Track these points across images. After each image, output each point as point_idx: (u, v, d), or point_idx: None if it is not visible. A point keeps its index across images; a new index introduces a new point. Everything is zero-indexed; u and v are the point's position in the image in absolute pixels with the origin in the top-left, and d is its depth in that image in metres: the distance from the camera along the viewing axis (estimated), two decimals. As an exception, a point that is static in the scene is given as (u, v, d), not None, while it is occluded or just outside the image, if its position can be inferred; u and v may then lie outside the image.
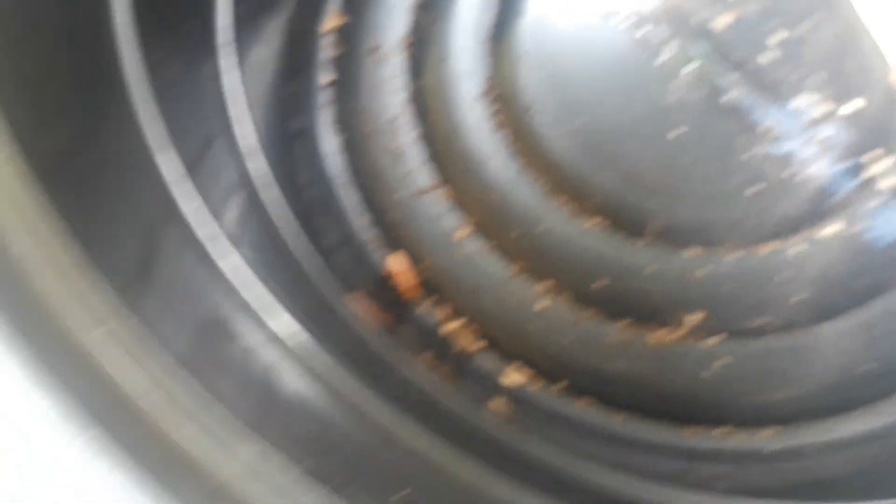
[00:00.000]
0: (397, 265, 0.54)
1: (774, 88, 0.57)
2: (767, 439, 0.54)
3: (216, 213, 0.43)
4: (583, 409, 0.55)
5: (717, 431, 0.54)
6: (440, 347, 0.54)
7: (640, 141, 0.57)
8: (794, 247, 0.56)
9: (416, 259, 0.55)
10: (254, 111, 0.55)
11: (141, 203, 0.36)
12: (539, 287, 0.56)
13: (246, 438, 0.24)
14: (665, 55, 0.58)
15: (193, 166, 0.42)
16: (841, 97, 0.57)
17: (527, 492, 0.43)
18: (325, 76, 0.59)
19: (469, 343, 0.55)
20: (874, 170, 0.56)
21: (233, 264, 0.41)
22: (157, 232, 0.36)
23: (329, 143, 0.59)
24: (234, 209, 0.52)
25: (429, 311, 0.55)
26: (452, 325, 0.55)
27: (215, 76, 0.51)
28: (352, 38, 0.60)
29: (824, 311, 0.55)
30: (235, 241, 0.44)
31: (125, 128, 0.35)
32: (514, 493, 0.43)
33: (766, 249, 0.56)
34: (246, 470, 0.23)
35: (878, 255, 0.56)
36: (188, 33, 0.50)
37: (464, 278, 0.55)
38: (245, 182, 0.53)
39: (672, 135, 0.56)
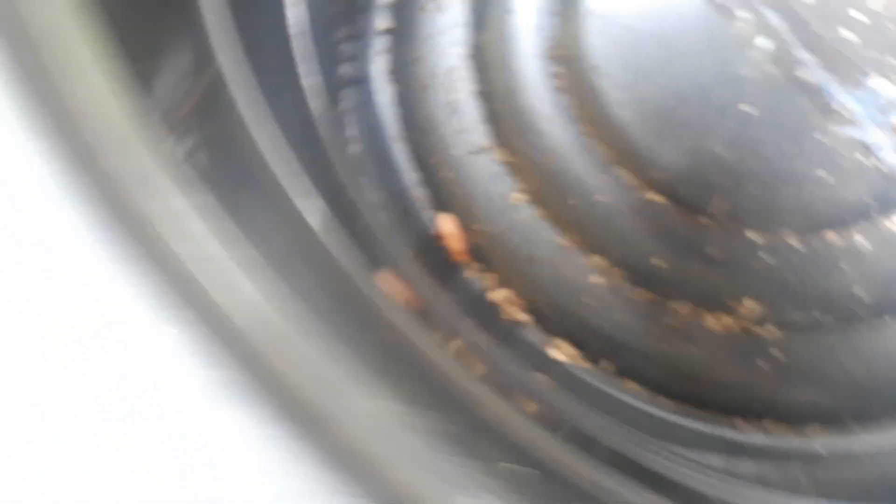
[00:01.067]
0: (447, 226, 0.50)
1: (853, 66, 0.54)
2: (818, 436, 0.52)
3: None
4: (630, 393, 0.52)
5: (768, 423, 0.52)
6: (485, 315, 0.51)
7: (710, 111, 0.53)
8: (860, 235, 0.53)
9: (466, 222, 0.51)
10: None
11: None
12: (593, 261, 0.52)
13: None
14: (742, 21, 0.54)
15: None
16: (920, 82, 0.54)
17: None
18: (381, 22, 0.55)
19: (515, 313, 0.51)
20: (948, 161, 0.53)
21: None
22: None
23: (382, 94, 0.54)
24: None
25: (476, 277, 0.51)
26: (500, 294, 0.51)
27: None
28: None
29: (886, 305, 0.53)
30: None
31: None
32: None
33: (831, 236, 0.53)
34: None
35: (944, 251, 0.53)
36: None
37: (516, 245, 0.52)
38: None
39: (744, 107, 0.53)
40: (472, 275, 0.52)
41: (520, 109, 0.54)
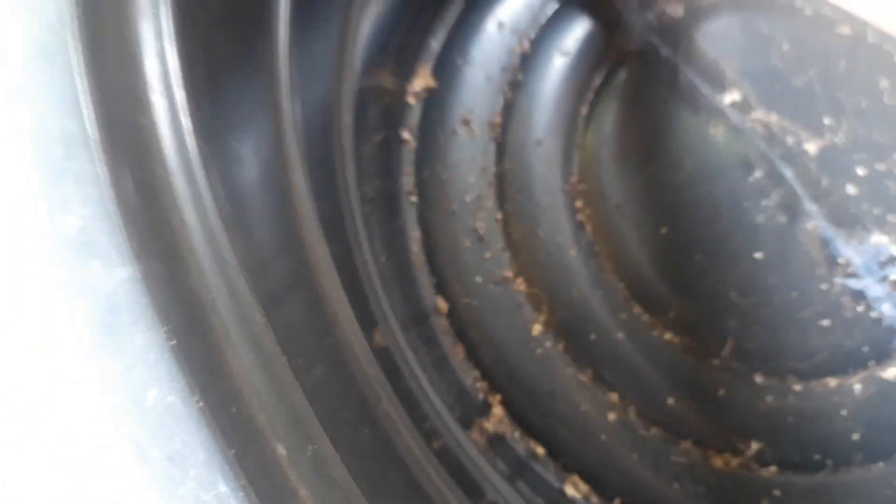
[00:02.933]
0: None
1: (856, 222, 0.57)
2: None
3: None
4: (638, 529, 0.53)
5: (767, 563, 0.53)
6: (502, 448, 0.52)
7: (726, 257, 0.55)
8: (859, 384, 0.55)
9: (485, 352, 0.52)
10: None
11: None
12: (610, 398, 0.53)
13: None
14: (758, 173, 0.57)
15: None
16: (917, 239, 0.57)
17: None
18: (409, 141, 0.56)
19: (533, 447, 0.52)
20: (938, 315, 0.57)
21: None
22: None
23: (407, 216, 0.55)
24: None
25: (500, 421, 0.52)
26: (517, 430, 0.52)
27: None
28: (441, 105, 0.56)
29: (880, 451, 0.55)
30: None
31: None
32: None
33: (832, 383, 0.56)
34: None
35: (933, 401, 0.56)
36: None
37: (536, 379, 0.53)
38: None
39: (757, 255, 0.55)
40: (496, 418, 0.52)
41: (541, 241, 0.55)
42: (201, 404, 0.18)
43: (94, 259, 0.18)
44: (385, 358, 0.47)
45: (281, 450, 0.21)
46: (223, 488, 0.18)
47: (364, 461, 0.28)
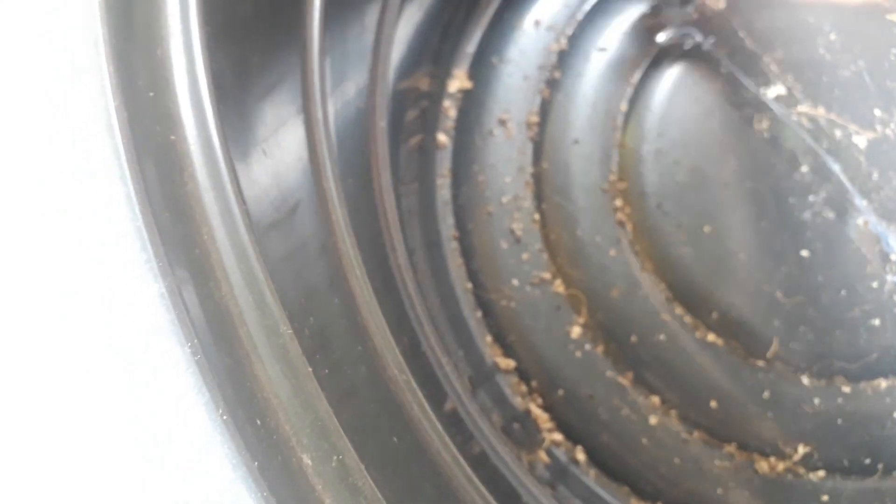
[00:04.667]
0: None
1: (910, 217, 0.55)
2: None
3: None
4: (681, 534, 0.52)
5: (817, 569, 0.52)
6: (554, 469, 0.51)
7: (771, 256, 0.54)
8: (911, 385, 0.54)
9: (524, 357, 0.52)
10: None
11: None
12: (651, 401, 0.53)
13: None
14: (804, 168, 0.55)
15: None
16: (974, 235, 0.55)
17: None
18: (445, 144, 0.56)
19: (573, 455, 0.52)
20: None
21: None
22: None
23: (445, 220, 0.55)
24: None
25: (538, 421, 0.52)
26: (557, 436, 0.51)
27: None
28: (477, 106, 0.56)
29: (935, 455, 0.53)
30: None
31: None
32: None
33: (883, 385, 0.54)
34: None
35: None
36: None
37: (575, 382, 0.52)
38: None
39: (804, 253, 0.54)
40: (538, 419, 0.52)
41: (580, 241, 0.55)
42: (225, 417, 0.19)
43: (125, 274, 0.18)
44: (420, 363, 0.47)
45: (307, 460, 0.21)
46: (247, 500, 0.19)
47: (394, 469, 0.28)
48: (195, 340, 0.19)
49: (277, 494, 0.20)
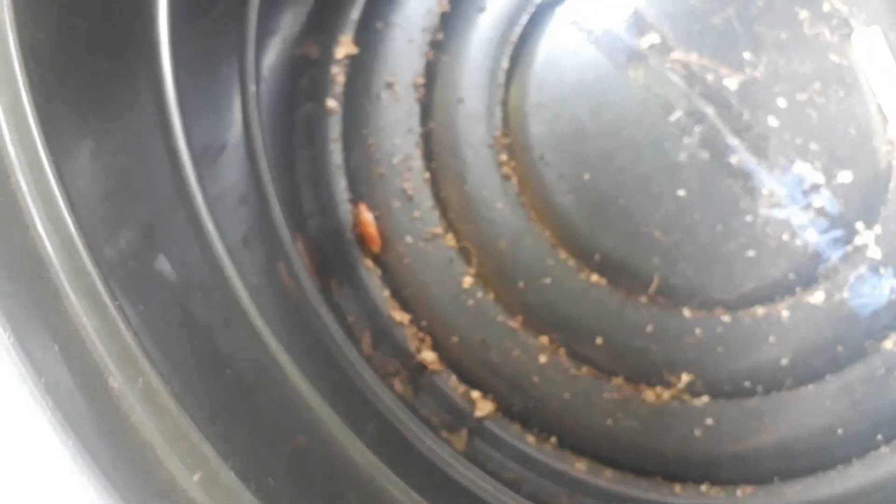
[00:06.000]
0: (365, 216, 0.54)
1: (779, 152, 0.58)
2: (748, 496, 0.56)
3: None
4: (574, 466, 0.55)
5: (704, 488, 0.56)
6: (440, 396, 0.54)
7: (649, 198, 0.57)
8: (786, 310, 0.57)
9: (420, 312, 0.55)
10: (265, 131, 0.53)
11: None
12: (540, 341, 0.56)
13: None
14: (678, 112, 0.58)
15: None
16: (839, 166, 0.58)
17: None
18: (333, 106, 0.57)
19: (469, 396, 0.55)
20: (861, 240, 0.58)
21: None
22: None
23: (338, 184, 0.57)
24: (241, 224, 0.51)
25: (443, 376, 0.55)
26: (453, 378, 0.54)
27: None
28: (363, 71, 0.58)
29: (809, 374, 0.57)
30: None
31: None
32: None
33: (759, 312, 0.57)
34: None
35: (861, 322, 0.58)
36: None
37: (468, 329, 0.55)
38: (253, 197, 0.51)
39: (680, 193, 0.57)
40: (431, 366, 0.55)
41: (469, 196, 0.57)
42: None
43: None
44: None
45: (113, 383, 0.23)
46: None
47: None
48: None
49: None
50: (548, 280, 0.56)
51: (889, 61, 0.60)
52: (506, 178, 0.58)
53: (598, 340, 0.56)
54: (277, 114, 0.58)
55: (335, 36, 0.59)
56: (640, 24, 0.60)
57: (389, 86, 0.59)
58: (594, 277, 0.56)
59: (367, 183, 0.57)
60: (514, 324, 0.55)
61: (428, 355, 0.54)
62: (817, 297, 0.57)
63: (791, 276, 0.57)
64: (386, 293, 0.56)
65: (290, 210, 0.56)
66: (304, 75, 0.60)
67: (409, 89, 0.59)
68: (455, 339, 0.55)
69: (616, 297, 0.56)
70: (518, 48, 0.60)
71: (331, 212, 0.57)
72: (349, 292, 0.56)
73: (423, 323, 0.55)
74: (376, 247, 0.55)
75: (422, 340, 0.55)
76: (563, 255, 0.57)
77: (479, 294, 0.56)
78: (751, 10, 0.61)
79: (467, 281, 0.56)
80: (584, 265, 0.57)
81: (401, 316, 0.55)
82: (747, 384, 0.57)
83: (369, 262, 0.55)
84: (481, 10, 0.60)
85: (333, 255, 0.55)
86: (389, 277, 0.56)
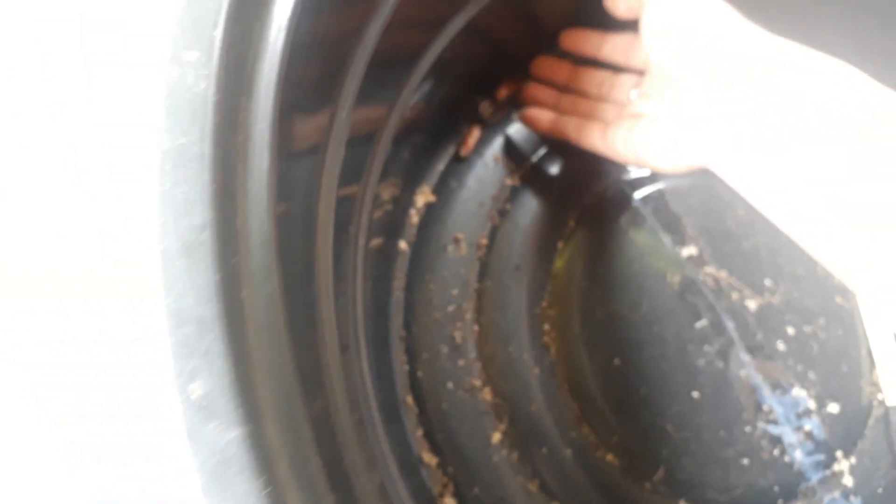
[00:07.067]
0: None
1: (781, 375, 0.65)
2: None
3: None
4: None
5: None
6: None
7: (667, 393, 0.63)
8: (768, 519, 0.63)
9: (450, 455, 0.58)
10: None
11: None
12: (552, 507, 0.60)
13: None
14: (704, 321, 0.65)
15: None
16: (830, 397, 0.66)
17: None
18: (404, 248, 0.62)
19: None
20: (839, 467, 0.65)
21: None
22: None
23: (394, 319, 0.61)
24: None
25: None
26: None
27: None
28: (436, 222, 0.63)
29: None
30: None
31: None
32: None
33: (745, 516, 0.63)
34: None
35: (830, 541, 0.64)
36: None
37: (489, 485, 0.59)
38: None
39: (694, 394, 0.63)
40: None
41: (510, 357, 0.62)
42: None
43: (213, 420, 0.23)
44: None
45: None
46: None
47: None
48: (267, 476, 0.25)
49: None
50: (568, 451, 0.61)
51: (882, 314, 0.68)
52: (545, 347, 0.63)
53: (603, 517, 0.60)
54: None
55: (419, 183, 0.64)
56: (682, 235, 0.68)
57: (456, 240, 0.64)
58: (609, 457, 0.61)
59: (419, 324, 0.61)
60: (532, 487, 0.59)
61: (449, 501, 0.57)
62: (795, 511, 0.63)
63: (776, 488, 0.64)
64: (420, 433, 0.59)
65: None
66: (376, 211, 0.64)
67: (472, 247, 0.65)
68: (476, 490, 0.59)
69: (625, 480, 0.61)
70: (574, 231, 0.66)
71: (383, 344, 0.61)
72: (384, 426, 0.59)
73: (450, 469, 0.58)
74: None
75: (445, 486, 0.58)
76: (585, 430, 0.61)
77: (505, 452, 0.60)
78: (776, 242, 0.69)
79: (496, 437, 0.60)
80: (603, 444, 0.61)
81: (429, 458, 0.59)
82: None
83: (410, 399, 0.59)
84: (549, 192, 0.67)
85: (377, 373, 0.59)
86: (426, 419, 0.59)
